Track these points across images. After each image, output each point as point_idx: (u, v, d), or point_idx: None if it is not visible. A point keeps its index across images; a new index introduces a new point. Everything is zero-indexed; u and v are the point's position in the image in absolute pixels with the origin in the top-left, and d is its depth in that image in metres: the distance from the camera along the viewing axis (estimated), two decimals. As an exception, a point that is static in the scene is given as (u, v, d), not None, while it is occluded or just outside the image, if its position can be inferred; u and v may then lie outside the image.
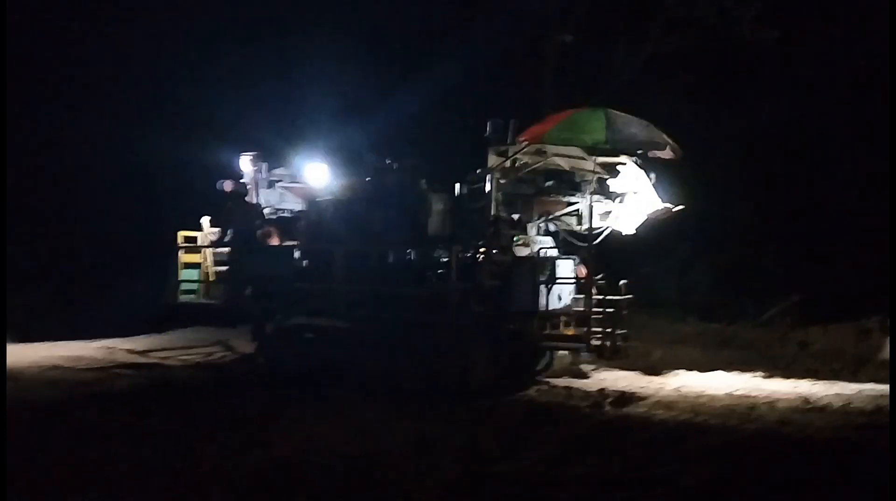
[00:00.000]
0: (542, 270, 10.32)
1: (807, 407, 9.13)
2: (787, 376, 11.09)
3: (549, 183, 11.19)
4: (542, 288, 10.20)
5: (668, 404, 9.30)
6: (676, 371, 11.46)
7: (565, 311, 10.56)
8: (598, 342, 10.19)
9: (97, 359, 12.79)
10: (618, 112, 10.40)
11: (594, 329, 10.19)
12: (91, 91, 19.41)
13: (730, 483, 6.42)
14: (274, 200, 12.44)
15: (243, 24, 20.17)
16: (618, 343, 10.28)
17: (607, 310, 10.30)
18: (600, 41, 18.15)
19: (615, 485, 6.27)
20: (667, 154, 10.52)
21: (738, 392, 9.99)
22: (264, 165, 12.35)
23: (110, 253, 18.74)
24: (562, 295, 10.50)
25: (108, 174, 19.27)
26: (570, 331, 10.58)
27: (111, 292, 17.56)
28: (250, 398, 9.75)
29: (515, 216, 10.80)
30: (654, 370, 11.56)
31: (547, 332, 10.43)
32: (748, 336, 14.04)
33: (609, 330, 10.20)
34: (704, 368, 11.70)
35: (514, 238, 10.62)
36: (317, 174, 11.77)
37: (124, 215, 18.97)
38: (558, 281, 10.39)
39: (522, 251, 10.62)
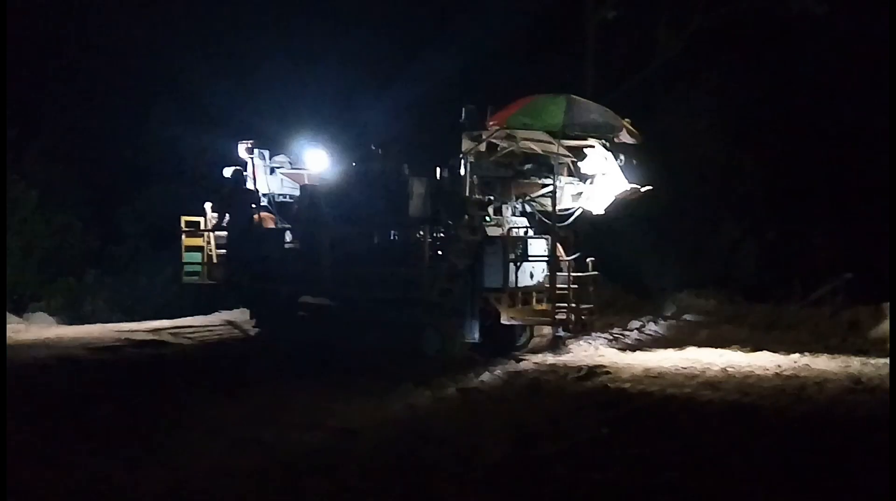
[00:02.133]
0: (513, 249, 10.65)
1: (857, 388, 8.97)
2: (836, 356, 10.89)
3: (528, 166, 11.48)
4: (512, 266, 10.54)
5: (715, 384, 9.18)
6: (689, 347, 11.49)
7: (537, 288, 10.90)
8: (563, 316, 10.67)
9: (146, 341, 13.02)
10: (579, 98, 10.85)
11: (559, 304, 10.66)
12: (101, 81, 19.93)
13: (780, 464, 6.33)
14: (275, 186, 12.96)
15: (245, 12, 20.50)
16: (582, 317, 10.77)
17: (572, 286, 10.77)
18: (643, 17, 17.87)
19: (663, 467, 6.21)
20: (627, 138, 10.82)
21: (786, 373, 9.84)
22: (266, 152, 12.90)
23: (146, 238, 19.26)
24: (534, 273, 10.89)
25: (121, 161, 19.84)
26: (543, 307, 10.92)
27: (149, 276, 18.16)
28: (288, 377, 9.85)
29: (487, 198, 11.12)
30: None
31: (518, 308, 10.78)
32: (797, 316, 13.78)
33: (574, 305, 10.67)
34: (752, 348, 11.55)
35: (486, 219, 10.98)
36: (314, 160, 12.38)
37: (148, 200, 19.49)
38: (529, 259, 10.77)
39: (494, 231, 10.96)
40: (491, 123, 10.83)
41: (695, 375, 9.73)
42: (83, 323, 15.80)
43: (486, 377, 9.72)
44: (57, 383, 9.54)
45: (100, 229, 19.73)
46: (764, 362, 10.53)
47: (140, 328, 14.08)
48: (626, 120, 10.95)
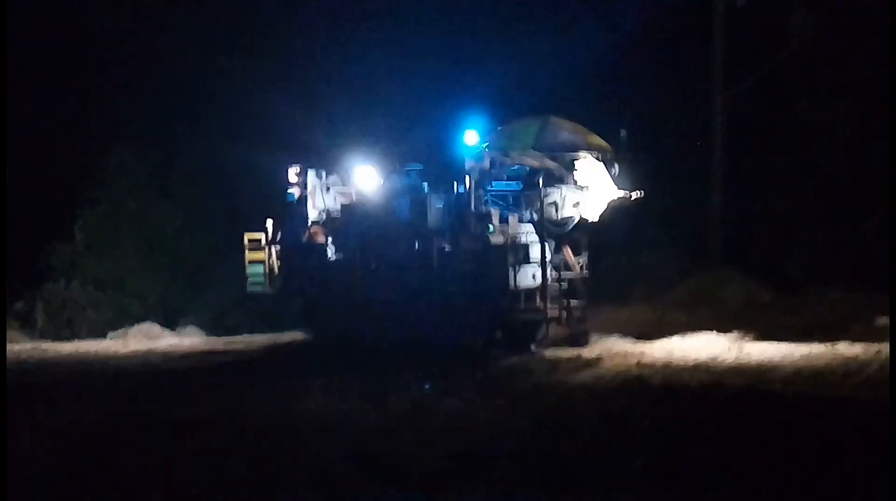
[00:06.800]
0: (514, 254, 11.94)
1: None
2: None
3: (537, 179, 12.49)
4: (511, 270, 11.85)
5: (874, 383, 8.62)
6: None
7: (539, 288, 12.02)
8: (556, 314, 12.10)
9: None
10: (556, 118, 12.37)
11: (552, 303, 12.01)
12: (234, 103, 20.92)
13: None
14: (329, 203, 14.23)
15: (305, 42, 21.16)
16: (575, 315, 12.29)
17: (562, 286, 12.30)
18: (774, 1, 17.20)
19: (814, 479, 5.95)
20: (598, 151, 12.22)
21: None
22: (323, 173, 14.23)
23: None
24: (536, 275, 12.08)
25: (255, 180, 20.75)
26: (542, 305, 12.02)
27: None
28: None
29: (489, 210, 12.26)
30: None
31: (520, 306, 12.03)
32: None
33: (566, 303, 12.23)
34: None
35: (489, 228, 12.10)
36: (360, 179, 13.65)
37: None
38: (530, 262, 12.07)
39: (498, 239, 12.06)
40: (483, 145, 12.17)
41: (850, 373, 9.22)
42: (229, 335, 16.64)
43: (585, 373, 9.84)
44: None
45: (241, 245, 20.57)
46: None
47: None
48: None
